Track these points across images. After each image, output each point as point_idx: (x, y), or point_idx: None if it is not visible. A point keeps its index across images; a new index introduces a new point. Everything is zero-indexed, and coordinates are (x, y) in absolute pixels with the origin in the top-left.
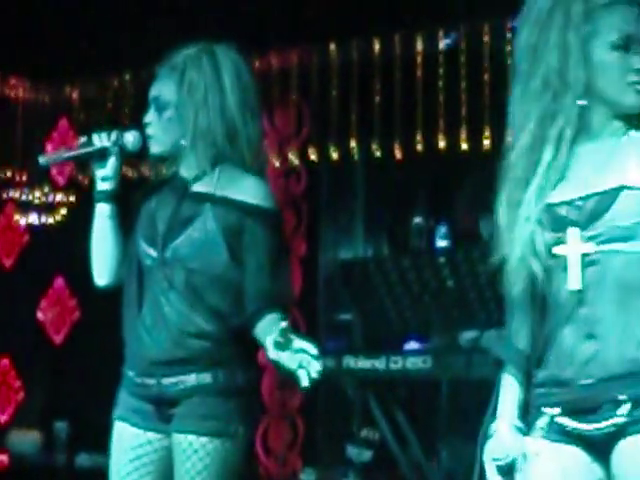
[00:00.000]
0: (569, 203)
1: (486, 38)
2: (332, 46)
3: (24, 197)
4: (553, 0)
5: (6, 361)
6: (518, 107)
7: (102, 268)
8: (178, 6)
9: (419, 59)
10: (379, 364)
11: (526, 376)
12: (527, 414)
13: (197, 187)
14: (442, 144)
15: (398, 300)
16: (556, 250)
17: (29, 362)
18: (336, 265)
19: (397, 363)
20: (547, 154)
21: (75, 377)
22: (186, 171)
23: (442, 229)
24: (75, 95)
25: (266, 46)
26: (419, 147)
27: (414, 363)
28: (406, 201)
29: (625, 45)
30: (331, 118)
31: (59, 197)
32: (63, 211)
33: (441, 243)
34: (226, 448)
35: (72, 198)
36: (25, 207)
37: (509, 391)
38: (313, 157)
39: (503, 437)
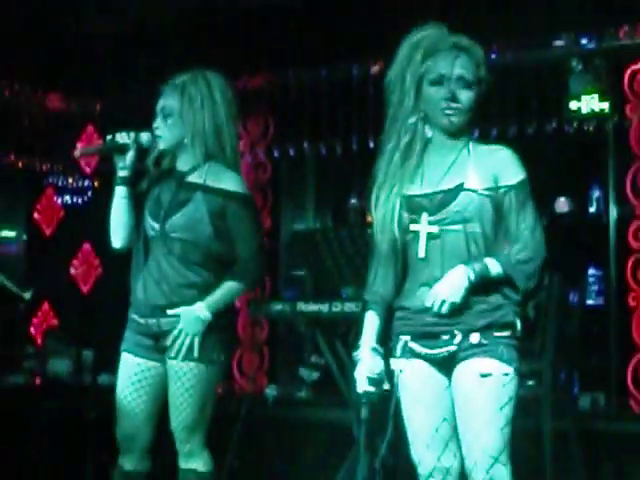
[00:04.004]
0: (425, 195)
1: None
2: (289, 72)
3: (60, 183)
4: (407, 48)
5: (46, 305)
6: (387, 126)
7: (117, 235)
8: (170, 40)
9: (350, 84)
10: (324, 308)
11: (384, 313)
12: (387, 341)
13: (191, 178)
14: (371, 144)
15: (338, 261)
16: (412, 227)
17: (63, 306)
18: (292, 235)
19: (337, 307)
20: (399, 159)
21: (97, 317)
22: (182, 165)
23: None
24: (99, 107)
25: (241, 71)
26: (354, 147)
27: (350, 307)
28: (345, 187)
29: (439, 81)
30: (289, 125)
31: (86, 183)
32: (89, 193)
33: (370, 219)
34: (208, 372)
35: (96, 183)
36: (61, 190)
37: (370, 323)
38: (276, 154)
39: (366, 360)
